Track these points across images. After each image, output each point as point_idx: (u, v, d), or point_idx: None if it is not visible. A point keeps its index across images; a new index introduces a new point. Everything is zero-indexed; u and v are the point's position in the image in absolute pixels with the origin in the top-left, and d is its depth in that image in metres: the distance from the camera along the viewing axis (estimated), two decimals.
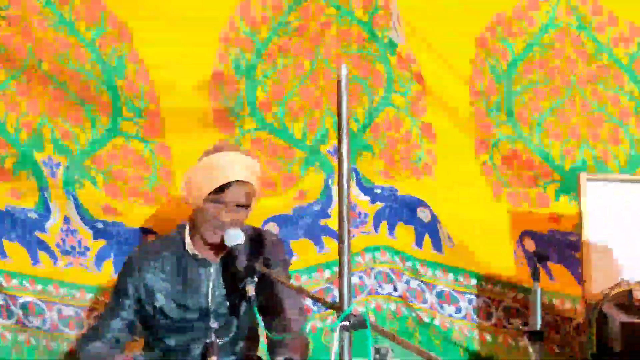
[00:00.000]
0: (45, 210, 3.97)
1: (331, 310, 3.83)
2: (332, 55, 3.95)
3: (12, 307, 3.99)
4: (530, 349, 3.72)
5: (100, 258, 3.97)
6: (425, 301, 4.09)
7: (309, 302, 3.98)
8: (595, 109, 3.86)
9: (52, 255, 3.98)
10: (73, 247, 3.98)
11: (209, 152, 3.28)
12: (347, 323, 2.40)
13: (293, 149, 4.01)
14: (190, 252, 3.26)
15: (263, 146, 3.97)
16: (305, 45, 3.96)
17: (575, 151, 3.88)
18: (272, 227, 3.96)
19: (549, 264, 3.91)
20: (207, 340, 2.95)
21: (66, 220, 3.97)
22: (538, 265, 3.78)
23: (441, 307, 4.08)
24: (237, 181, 3.17)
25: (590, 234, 3.54)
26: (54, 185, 3.94)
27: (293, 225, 4.03)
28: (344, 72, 2.39)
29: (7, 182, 3.96)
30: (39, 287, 3.98)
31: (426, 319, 4.08)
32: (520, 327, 3.95)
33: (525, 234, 3.95)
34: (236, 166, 3.20)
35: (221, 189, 3.15)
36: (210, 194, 3.16)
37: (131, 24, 3.86)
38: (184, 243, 3.27)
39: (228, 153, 3.26)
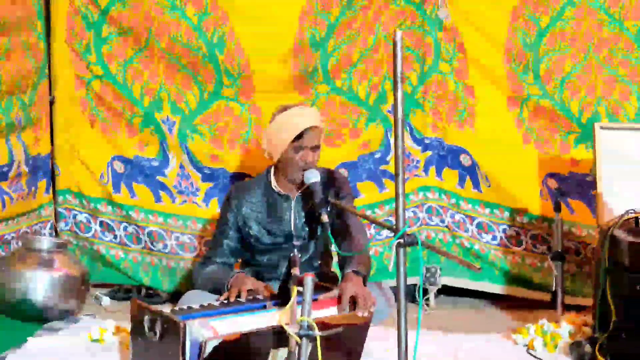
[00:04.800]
0: (164, 158, 4.02)
1: (390, 238, 3.86)
2: (390, 31, 3.88)
3: (141, 235, 4.08)
4: (553, 267, 3.65)
5: (208, 196, 4.01)
6: (467, 230, 4.04)
7: (371, 230, 3.98)
8: (608, 71, 3.72)
9: (171, 195, 4.04)
10: (187, 188, 4.03)
11: (276, 113, 3.20)
12: (402, 240, 2.37)
13: (358, 108, 3.98)
14: (275, 189, 3.25)
15: (334, 106, 3.95)
16: (367, 23, 3.90)
17: (591, 107, 3.75)
18: (342, 172, 3.94)
19: (569, 199, 3.81)
20: (291, 255, 2.94)
21: (181, 166, 4.02)
22: (559, 200, 3.71)
23: (480, 235, 4.01)
24: (311, 127, 3.14)
25: (603, 173, 3.42)
26: (170, 139, 3.98)
27: (358, 169, 4.00)
28: (398, 36, 2.35)
29: (135, 136, 4.03)
30: (161, 219, 4.05)
31: (467, 245, 4.03)
32: (545, 251, 3.87)
33: (549, 175, 3.86)
34: (305, 115, 3.17)
35: (299, 136, 3.12)
36: (291, 142, 3.13)
37: (229, 10, 3.85)
38: (269, 182, 3.27)
39: (295, 108, 3.20)
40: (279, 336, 2.40)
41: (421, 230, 4.06)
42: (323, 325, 2.31)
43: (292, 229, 3.21)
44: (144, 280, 4.08)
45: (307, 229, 3.21)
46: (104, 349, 3.14)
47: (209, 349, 2.45)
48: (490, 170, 3.93)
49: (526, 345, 3.22)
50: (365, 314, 2.76)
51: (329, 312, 2.81)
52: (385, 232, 4.03)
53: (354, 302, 2.82)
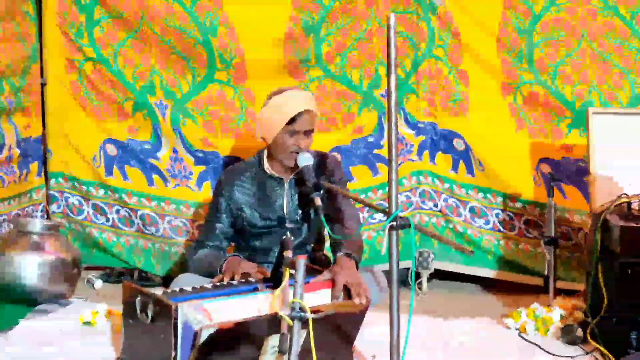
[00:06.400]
0: (157, 142, 4.00)
1: (384, 222, 3.85)
2: (384, 16, 3.85)
3: (133, 218, 4.06)
4: (546, 252, 3.64)
5: (200, 180, 4.00)
6: (460, 215, 4.03)
7: (364, 214, 3.97)
8: (602, 58, 3.70)
9: (163, 178, 4.02)
10: (179, 172, 4.01)
11: (271, 95, 3.16)
12: (394, 223, 2.36)
13: (352, 92, 3.96)
14: (268, 172, 3.22)
15: (327, 90, 3.93)
16: (361, 7, 3.88)
17: (585, 93, 3.74)
18: (335, 155, 3.92)
19: (563, 185, 3.81)
20: (284, 237, 2.92)
21: (174, 150, 4.00)
22: (552, 184, 3.70)
23: (473, 220, 4.01)
24: (305, 111, 3.11)
25: (595, 158, 3.41)
26: (163, 122, 3.96)
27: (352, 154, 3.99)
28: (392, 21, 2.33)
29: (127, 120, 4.01)
30: (154, 203, 4.03)
31: (460, 230, 4.02)
32: (538, 236, 3.86)
33: (542, 160, 3.85)
34: (300, 99, 3.13)
35: (292, 120, 3.09)
36: (284, 125, 3.11)
37: None
38: (261, 165, 3.24)
39: (289, 91, 3.16)
40: (274, 323, 2.38)
41: (414, 214, 4.06)
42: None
43: (285, 212, 3.19)
44: (137, 263, 4.07)
45: (299, 212, 3.19)
46: (95, 332, 3.12)
47: (204, 336, 2.43)
48: (484, 155, 3.92)
49: (518, 329, 3.22)
50: (363, 301, 2.75)
51: (321, 294, 2.80)
52: (379, 216, 4.02)
53: (347, 289, 2.80)
